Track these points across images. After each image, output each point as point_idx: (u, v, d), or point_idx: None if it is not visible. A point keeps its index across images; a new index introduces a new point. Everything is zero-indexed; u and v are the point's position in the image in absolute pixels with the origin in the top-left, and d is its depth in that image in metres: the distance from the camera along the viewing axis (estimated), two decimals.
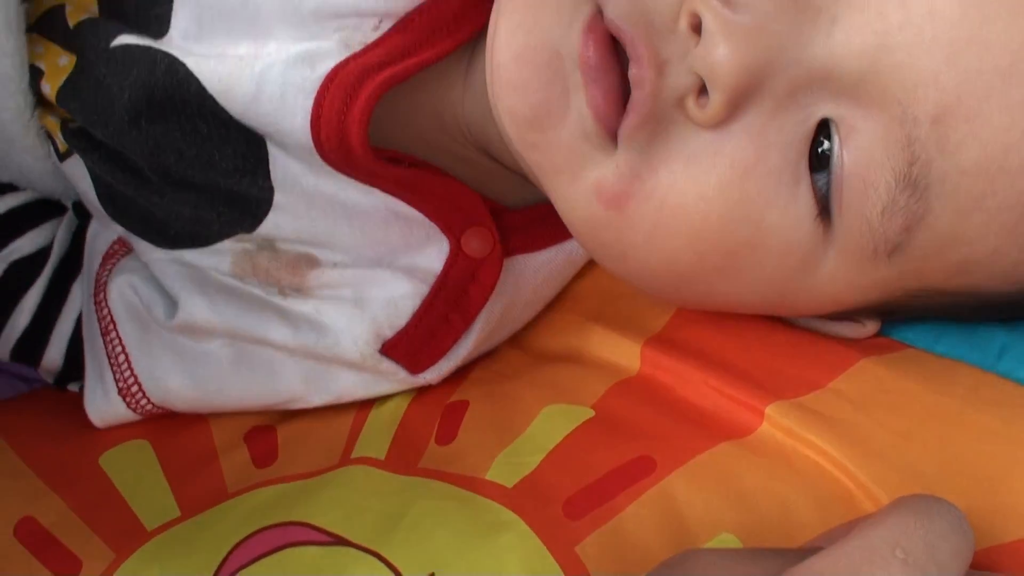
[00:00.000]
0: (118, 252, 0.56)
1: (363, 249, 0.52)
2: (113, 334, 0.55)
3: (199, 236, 0.53)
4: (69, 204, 0.60)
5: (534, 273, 0.56)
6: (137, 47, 0.48)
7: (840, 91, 0.42)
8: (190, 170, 0.50)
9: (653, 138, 0.43)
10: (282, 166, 0.50)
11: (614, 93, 0.43)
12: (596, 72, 0.43)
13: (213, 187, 0.51)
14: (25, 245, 0.57)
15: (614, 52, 0.43)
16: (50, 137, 0.55)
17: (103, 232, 0.57)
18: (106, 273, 0.56)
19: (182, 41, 0.48)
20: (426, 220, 0.52)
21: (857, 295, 0.48)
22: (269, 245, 0.52)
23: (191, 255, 0.53)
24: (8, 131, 0.54)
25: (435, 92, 0.52)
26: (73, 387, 0.59)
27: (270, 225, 0.51)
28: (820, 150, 0.43)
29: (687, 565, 0.38)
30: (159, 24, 0.48)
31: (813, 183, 0.44)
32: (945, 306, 0.49)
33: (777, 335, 0.52)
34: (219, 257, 0.53)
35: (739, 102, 0.42)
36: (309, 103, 0.47)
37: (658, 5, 0.42)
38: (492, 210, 0.53)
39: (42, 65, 0.52)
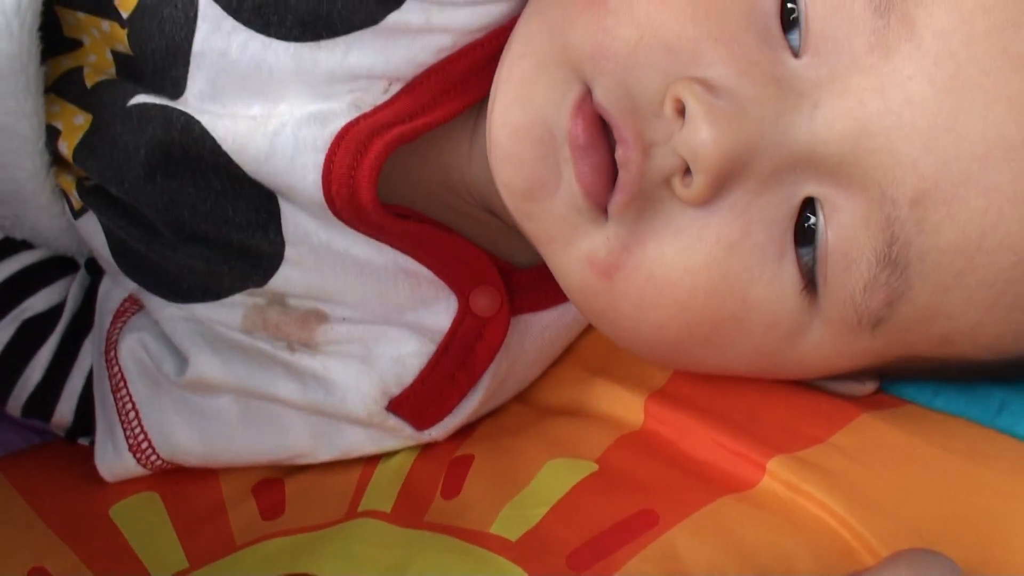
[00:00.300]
0: (129, 310, 0.57)
1: (372, 304, 0.53)
2: (124, 391, 0.56)
3: (210, 290, 0.54)
4: (82, 262, 0.61)
5: (540, 332, 0.57)
6: (154, 106, 0.50)
7: (822, 172, 0.43)
8: (203, 224, 0.51)
9: (642, 213, 0.45)
10: (293, 221, 0.51)
11: (603, 170, 0.45)
12: (584, 150, 0.45)
13: (225, 241, 0.52)
14: (38, 303, 0.58)
15: (602, 130, 0.45)
16: (65, 195, 0.56)
17: (114, 290, 0.58)
18: (117, 331, 0.57)
19: (197, 102, 0.49)
20: (434, 277, 0.53)
21: (845, 362, 0.49)
22: (279, 300, 0.53)
23: (202, 309, 0.54)
24: (24, 190, 0.55)
25: (442, 152, 0.53)
26: (83, 441, 0.59)
27: (281, 279, 0.52)
28: (806, 225, 0.45)
29: None
30: (175, 86, 0.50)
31: (798, 257, 0.45)
32: (936, 370, 0.50)
33: (778, 391, 0.53)
34: (230, 311, 0.54)
35: (722, 183, 0.43)
36: (320, 160, 0.48)
37: (644, 89, 0.44)
38: (500, 269, 0.54)
39: (59, 125, 0.53)
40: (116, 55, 0.52)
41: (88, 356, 0.59)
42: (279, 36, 0.48)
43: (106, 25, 0.51)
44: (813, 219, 0.44)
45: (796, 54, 0.44)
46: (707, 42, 0.43)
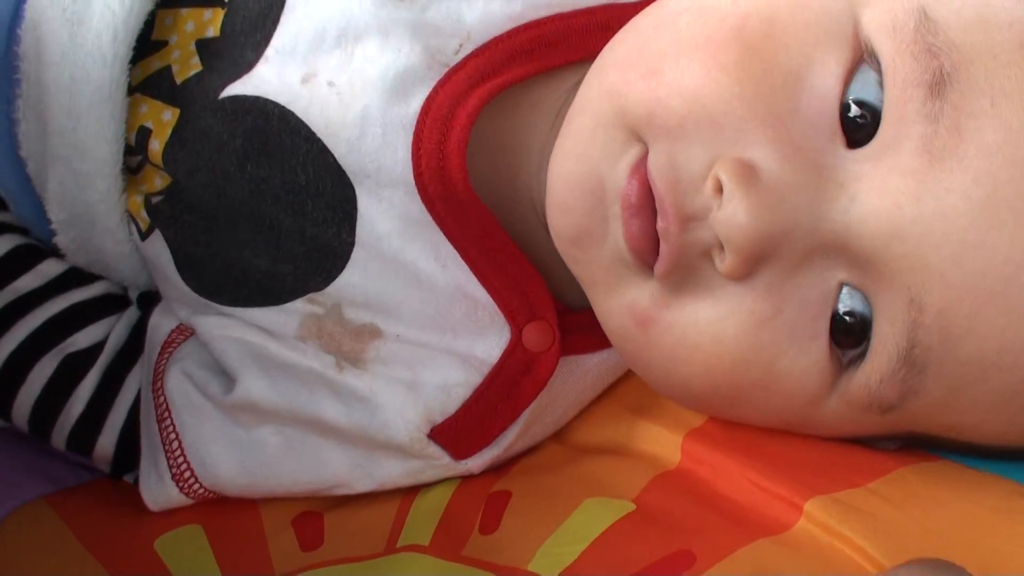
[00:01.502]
0: (176, 340, 0.58)
1: (426, 323, 0.54)
2: (168, 421, 0.57)
3: (272, 293, 0.55)
4: (135, 295, 0.62)
5: (584, 374, 0.57)
6: (246, 98, 0.53)
7: (854, 263, 0.44)
8: (282, 214, 0.53)
9: (686, 279, 0.46)
10: (370, 222, 0.52)
11: (649, 231, 0.46)
12: (635, 209, 0.46)
13: (298, 235, 0.53)
14: (82, 339, 0.59)
15: (651, 193, 0.46)
16: (132, 220, 0.57)
17: (164, 321, 0.59)
18: (164, 361, 0.58)
19: (277, 60, 0.52)
20: (493, 305, 0.54)
21: (859, 430, 0.50)
22: (337, 311, 0.54)
23: (260, 314, 0.55)
24: (94, 212, 0.56)
25: (516, 154, 0.55)
26: (128, 478, 0.60)
27: (343, 283, 0.53)
28: (845, 317, 0.46)
29: None
30: (255, 50, 0.53)
31: (831, 342, 0.46)
32: (949, 447, 0.51)
33: (817, 438, 0.53)
34: (288, 317, 0.55)
35: (755, 263, 0.44)
36: (410, 136, 0.51)
37: (690, 162, 0.45)
38: (555, 308, 0.55)
39: (150, 124, 0.55)
40: (200, 44, 0.54)
41: (131, 391, 0.60)
42: None
43: (208, 13, 0.54)
44: (849, 316, 0.45)
45: (850, 144, 0.44)
46: (753, 122, 0.44)
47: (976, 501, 0.48)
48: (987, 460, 0.51)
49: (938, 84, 0.42)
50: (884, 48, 0.44)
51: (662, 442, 0.54)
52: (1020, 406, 0.45)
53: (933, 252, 0.43)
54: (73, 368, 0.59)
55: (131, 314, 0.61)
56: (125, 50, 0.53)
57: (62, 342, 0.59)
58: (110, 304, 0.61)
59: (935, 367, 0.44)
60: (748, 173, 0.43)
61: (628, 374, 0.59)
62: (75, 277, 0.60)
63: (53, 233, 0.58)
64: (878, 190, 0.43)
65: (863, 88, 0.44)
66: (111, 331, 0.60)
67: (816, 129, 0.44)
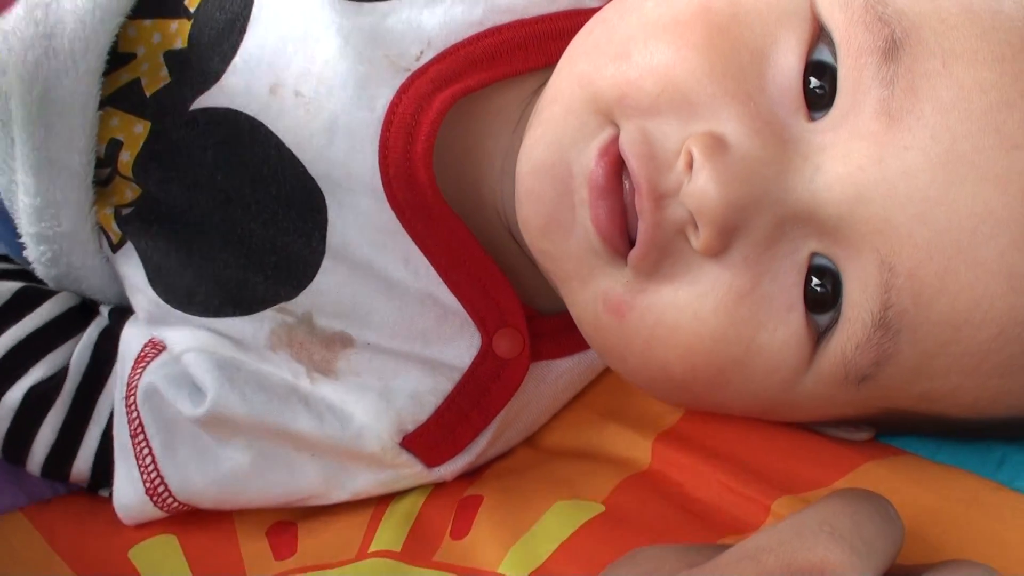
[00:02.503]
0: (148, 355, 0.58)
1: (397, 329, 0.54)
2: (141, 436, 0.57)
3: (242, 302, 0.55)
4: (106, 311, 0.61)
5: (556, 379, 0.58)
6: (217, 109, 0.53)
7: (823, 231, 0.45)
8: (253, 223, 0.53)
9: (660, 262, 0.46)
10: (340, 230, 0.53)
11: (617, 215, 0.46)
12: (601, 192, 0.47)
13: (269, 243, 0.54)
14: (42, 369, 0.59)
15: (621, 177, 0.47)
16: (103, 232, 0.57)
17: (135, 336, 0.59)
18: (137, 376, 0.58)
19: (243, 68, 0.53)
20: (463, 312, 0.54)
21: (834, 411, 0.50)
22: (308, 319, 0.54)
23: (231, 323, 0.55)
24: (67, 224, 0.56)
25: (479, 164, 0.55)
26: (104, 492, 0.60)
27: (313, 291, 0.54)
28: (817, 288, 0.46)
29: (636, 559, 0.41)
30: (223, 60, 0.53)
31: (807, 311, 0.46)
32: (926, 424, 0.51)
33: (784, 435, 0.54)
34: (258, 325, 0.55)
35: (728, 235, 0.44)
36: (376, 142, 0.52)
37: (665, 139, 0.46)
38: (525, 313, 0.55)
39: (121, 137, 0.55)
40: (168, 55, 0.55)
41: (103, 412, 0.59)
42: None
43: (175, 25, 0.54)
44: (821, 283, 0.46)
45: (813, 118, 0.45)
46: (724, 98, 0.45)
47: (942, 495, 0.48)
48: (959, 440, 0.51)
49: (891, 50, 0.44)
50: (837, 22, 0.45)
51: (632, 445, 0.55)
52: (992, 367, 0.45)
53: (899, 212, 0.43)
54: (38, 399, 0.59)
55: (92, 333, 0.61)
56: (97, 63, 0.54)
57: (24, 374, 0.59)
58: (67, 325, 0.61)
59: (909, 330, 0.44)
60: (718, 146, 0.44)
61: (599, 378, 0.60)
62: (26, 299, 0.60)
63: (23, 247, 0.58)
64: (841, 157, 0.44)
65: (819, 64, 0.45)
66: (72, 355, 0.60)
67: (781, 105, 0.45)
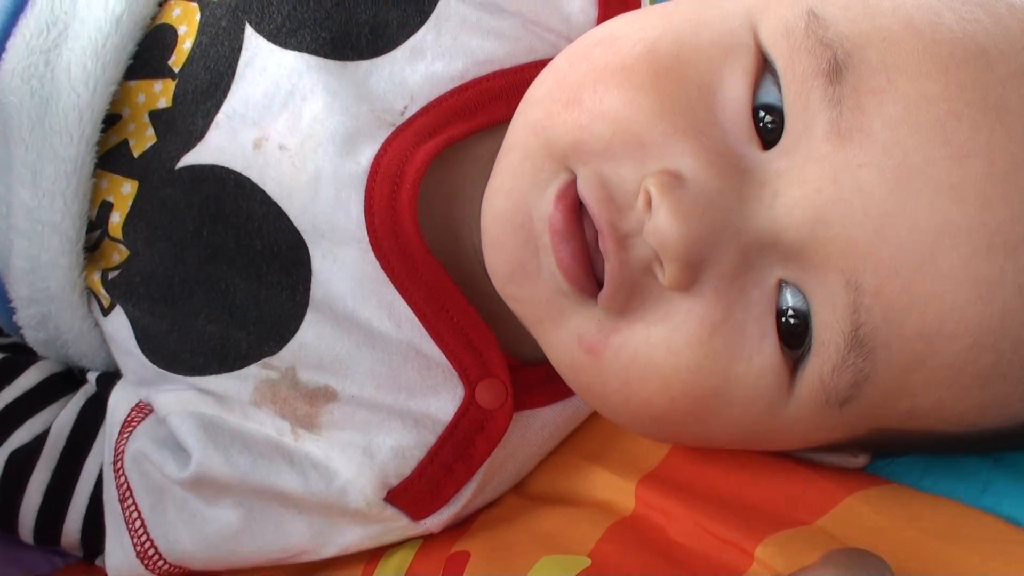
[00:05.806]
0: (135, 419, 0.59)
1: (381, 381, 0.54)
2: (130, 500, 0.57)
3: (226, 359, 0.55)
4: (93, 377, 0.62)
5: (541, 428, 0.58)
6: (202, 166, 0.54)
7: (787, 258, 0.45)
8: (237, 278, 0.54)
9: (630, 300, 0.47)
10: (324, 283, 0.53)
11: (581, 256, 0.47)
12: (561, 235, 0.47)
13: (252, 298, 0.54)
14: (22, 435, 0.60)
15: (580, 219, 0.47)
16: (94, 296, 0.58)
17: (123, 400, 0.59)
18: (124, 441, 0.58)
19: (226, 125, 0.54)
20: (446, 363, 0.54)
21: (821, 435, 0.50)
22: (291, 374, 0.55)
23: (215, 381, 0.55)
24: (56, 288, 0.57)
25: (461, 210, 0.55)
26: (100, 562, 0.60)
27: (296, 345, 0.54)
28: (788, 313, 0.46)
29: None
30: (205, 117, 0.54)
31: (780, 338, 0.46)
32: (915, 442, 0.51)
33: (768, 472, 0.54)
34: (242, 383, 0.55)
35: (694, 269, 0.45)
36: (361, 196, 0.53)
37: (622, 181, 0.46)
38: (508, 364, 0.55)
39: (111, 198, 0.56)
40: (153, 115, 0.55)
41: (90, 475, 0.60)
42: (311, 51, 0.54)
43: (158, 85, 0.55)
44: (792, 311, 0.46)
45: (766, 147, 0.45)
46: (676, 135, 0.45)
47: (920, 528, 0.49)
48: (953, 455, 0.52)
49: (835, 71, 0.44)
50: (780, 51, 0.45)
51: (616, 489, 0.55)
52: (971, 378, 0.45)
53: (858, 230, 0.43)
54: (19, 464, 0.59)
55: (79, 398, 0.61)
56: (91, 130, 0.55)
57: (3, 441, 0.59)
58: (49, 391, 0.61)
59: (883, 348, 0.45)
60: (674, 182, 0.44)
61: (584, 421, 0.60)
62: (6, 367, 0.61)
63: (13, 311, 0.59)
64: (797, 181, 0.44)
65: (767, 93, 0.46)
66: (53, 420, 0.60)
67: (734, 136, 0.46)
